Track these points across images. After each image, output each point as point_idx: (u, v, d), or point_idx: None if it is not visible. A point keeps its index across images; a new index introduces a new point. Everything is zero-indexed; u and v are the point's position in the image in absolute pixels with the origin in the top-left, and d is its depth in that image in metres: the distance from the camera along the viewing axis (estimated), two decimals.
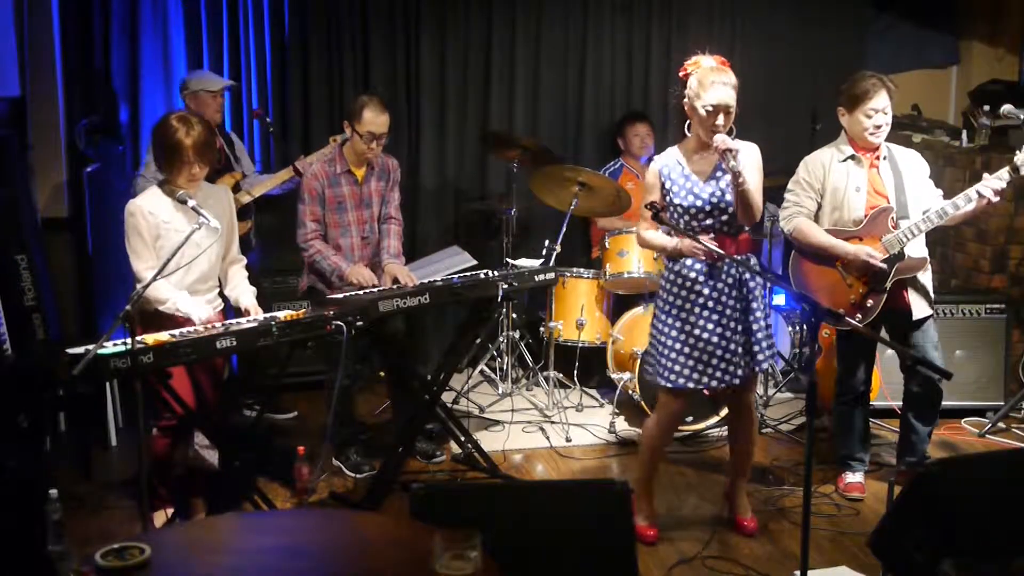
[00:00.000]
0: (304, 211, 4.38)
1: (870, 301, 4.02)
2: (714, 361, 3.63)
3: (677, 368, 3.65)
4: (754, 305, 3.65)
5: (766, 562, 3.69)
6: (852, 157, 4.05)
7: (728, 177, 3.56)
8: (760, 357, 3.67)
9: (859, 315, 4.00)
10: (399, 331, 4.55)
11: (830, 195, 4.06)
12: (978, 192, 3.91)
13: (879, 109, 3.96)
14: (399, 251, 4.55)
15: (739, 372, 3.66)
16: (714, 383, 3.66)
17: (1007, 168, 3.94)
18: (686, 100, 3.57)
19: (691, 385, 3.66)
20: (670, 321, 3.67)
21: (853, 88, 4.00)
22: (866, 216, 4.01)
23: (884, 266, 3.96)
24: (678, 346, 3.65)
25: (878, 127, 3.98)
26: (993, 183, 3.90)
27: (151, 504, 3.66)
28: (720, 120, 3.48)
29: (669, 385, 3.68)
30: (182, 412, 3.55)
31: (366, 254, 4.49)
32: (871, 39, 6.58)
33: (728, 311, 3.63)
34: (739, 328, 3.64)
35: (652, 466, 3.91)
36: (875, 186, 4.04)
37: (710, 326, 3.62)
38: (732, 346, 3.63)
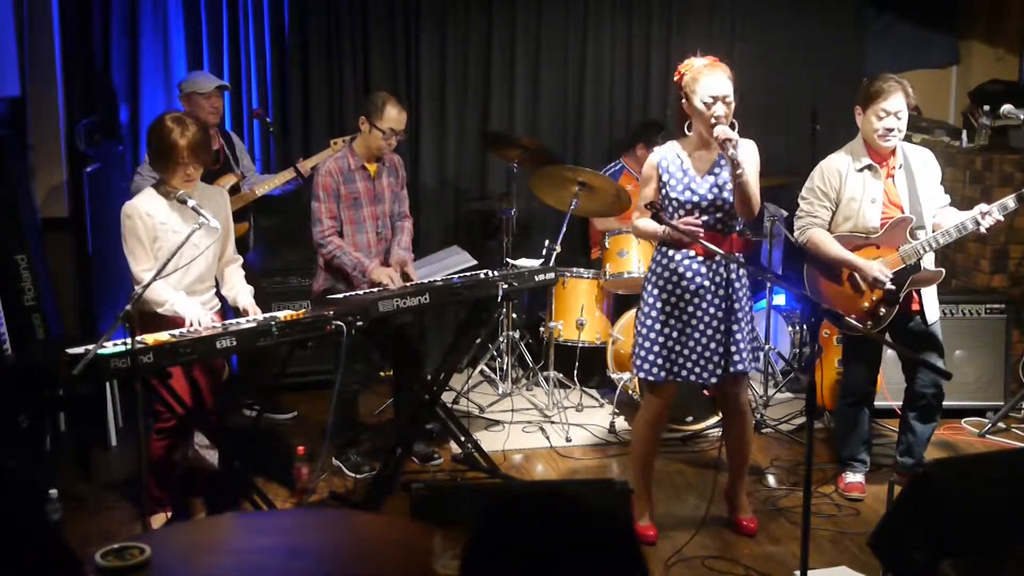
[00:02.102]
0: (319, 208, 4.36)
1: (882, 310, 4.02)
2: (694, 356, 3.64)
3: (651, 358, 3.67)
4: (737, 306, 3.66)
5: (766, 562, 3.69)
6: (869, 167, 4.02)
7: (725, 174, 3.57)
8: (736, 358, 3.67)
9: (870, 323, 4.00)
10: (406, 323, 4.55)
11: (845, 205, 4.04)
12: (976, 221, 3.90)
13: (891, 111, 3.92)
14: (409, 246, 4.58)
15: (717, 371, 3.66)
16: (693, 377, 3.66)
17: (1013, 196, 3.93)
18: (684, 99, 3.57)
19: (664, 376, 3.67)
20: (653, 313, 3.68)
21: (870, 86, 3.97)
22: (881, 227, 4.01)
23: (894, 287, 3.95)
24: (659, 337, 3.66)
25: (889, 130, 3.93)
26: (994, 219, 3.89)
27: (149, 508, 3.66)
28: (719, 110, 3.48)
29: (641, 375, 3.71)
30: (182, 412, 3.55)
31: (380, 250, 4.49)
32: (871, 39, 6.58)
33: (712, 308, 3.63)
34: (721, 327, 3.64)
35: (645, 463, 3.90)
36: (890, 197, 4.03)
37: (694, 321, 3.63)
38: (713, 344, 3.64)
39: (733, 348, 3.66)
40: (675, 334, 3.64)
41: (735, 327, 3.65)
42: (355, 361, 4.39)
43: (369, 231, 4.45)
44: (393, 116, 4.32)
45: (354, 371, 4.46)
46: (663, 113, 6.23)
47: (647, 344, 3.68)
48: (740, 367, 3.69)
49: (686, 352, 3.64)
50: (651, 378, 3.70)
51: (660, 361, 3.66)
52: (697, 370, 3.65)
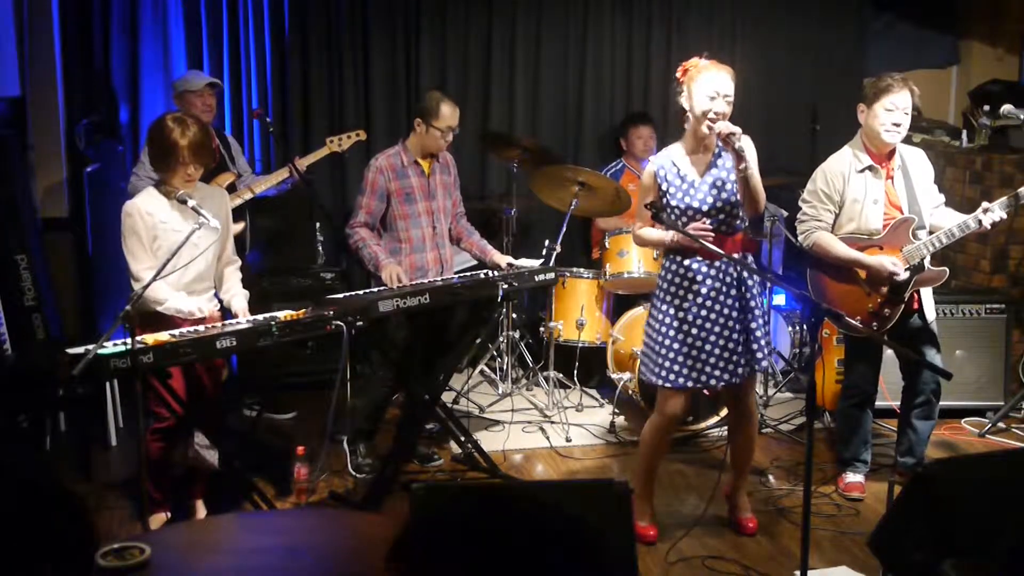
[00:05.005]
0: (360, 202, 4.44)
1: (887, 310, 4.02)
2: (712, 360, 3.62)
3: (676, 368, 3.64)
4: (752, 304, 3.65)
5: (766, 562, 3.69)
6: (870, 168, 4.03)
7: (722, 175, 3.57)
8: (759, 355, 3.67)
9: (875, 324, 4.00)
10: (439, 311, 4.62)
11: (848, 207, 4.04)
12: (979, 220, 3.92)
13: (899, 106, 3.93)
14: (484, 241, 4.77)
15: (739, 371, 3.65)
16: (713, 382, 3.65)
17: (1008, 197, 3.93)
18: (684, 95, 3.57)
19: (691, 384, 3.65)
20: (668, 320, 3.66)
21: (877, 82, 3.99)
22: (884, 228, 4.01)
23: (907, 275, 3.96)
24: (676, 345, 3.64)
25: (896, 125, 3.94)
26: (997, 215, 3.90)
27: (149, 508, 3.66)
28: (720, 107, 3.48)
29: (668, 385, 3.67)
30: (181, 411, 3.55)
31: (435, 244, 4.54)
32: (871, 39, 6.58)
33: (727, 310, 3.62)
34: (738, 327, 3.63)
35: (652, 467, 3.90)
36: (891, 198, 4.05)
37: (708, 324, 3.62)
38: (732, 345, 3.63)
39: (755, 345, 3.66)
40: (694, 340, 3.62)
41: (753, 324, 3.65)
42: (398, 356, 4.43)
43: (424, 226, 4.49)
44: (448, 114, 4.41)
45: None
46: (662, 113, 6.23)
47: (669, 353, 3.65)
48: (764, 363, 3.71)
49: (705, 357, 3.62)
50: (670, 386, 3.67)
51: (686, 371, 3.64)
52: (717, 372, 3.64)
